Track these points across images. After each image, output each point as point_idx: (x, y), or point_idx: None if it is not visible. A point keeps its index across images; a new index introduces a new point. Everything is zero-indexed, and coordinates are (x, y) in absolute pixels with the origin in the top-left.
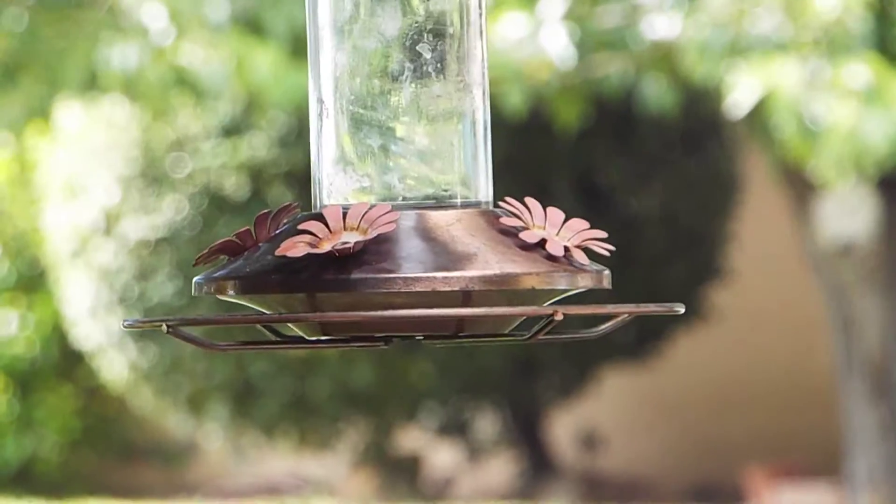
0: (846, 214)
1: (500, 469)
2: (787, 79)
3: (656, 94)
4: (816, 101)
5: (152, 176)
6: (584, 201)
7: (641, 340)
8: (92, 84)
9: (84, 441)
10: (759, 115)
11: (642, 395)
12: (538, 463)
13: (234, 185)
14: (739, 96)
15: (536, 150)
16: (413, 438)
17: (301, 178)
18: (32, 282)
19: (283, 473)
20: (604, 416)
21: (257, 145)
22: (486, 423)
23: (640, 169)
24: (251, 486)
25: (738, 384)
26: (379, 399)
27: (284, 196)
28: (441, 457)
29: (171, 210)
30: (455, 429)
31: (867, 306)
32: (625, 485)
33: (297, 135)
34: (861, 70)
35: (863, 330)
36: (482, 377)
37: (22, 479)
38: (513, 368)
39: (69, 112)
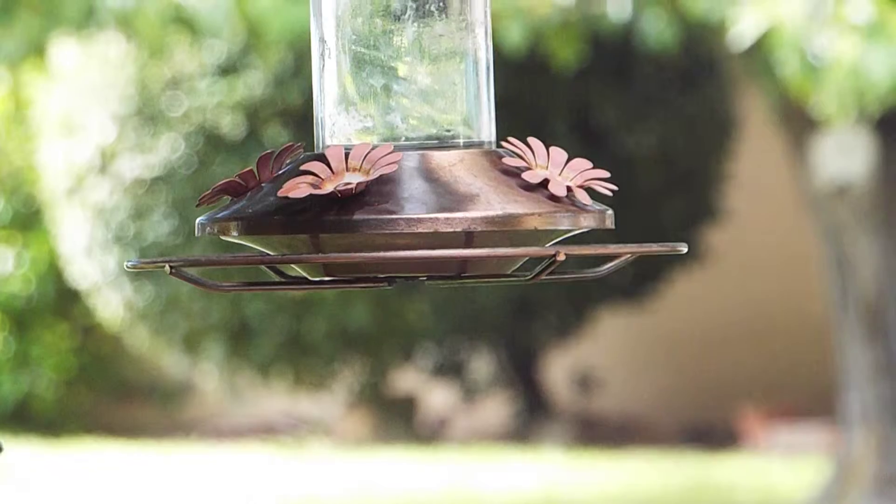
0: (842, 155)
1: (496, 410)
2: (790, 13)
3: (656, 30)
4: (819, 36)
5: (148, 114)
6: (581, 140)
7: (638, 281)
8: (89, 20)
9: (80, 379)
10: (759, 51)
11: (638, 336)
12: (534, 404)
13: (230, 124)
14: (742, 29)
15: (533, 90)
16: (408, 379)
17: (297, 117)
18: (28, 219)
19: (279, 413)
20: (599, 358)
21: (253, 84)
22: (482, 364)
23: (636, 108)
24: (246, 426)
25: (734, 325)
26: (375, 339)
27: (280, 135)
28: (436, 397)
29: (166, 149)
30: (451, 369)
31: (862, 247)
32: (620, 426)
33: (293, 73)
34: (863, 5)
35: (858, 270)
36: (478, 318)
37: (18, 416)
38: (509, 309)
39: (65, 50)
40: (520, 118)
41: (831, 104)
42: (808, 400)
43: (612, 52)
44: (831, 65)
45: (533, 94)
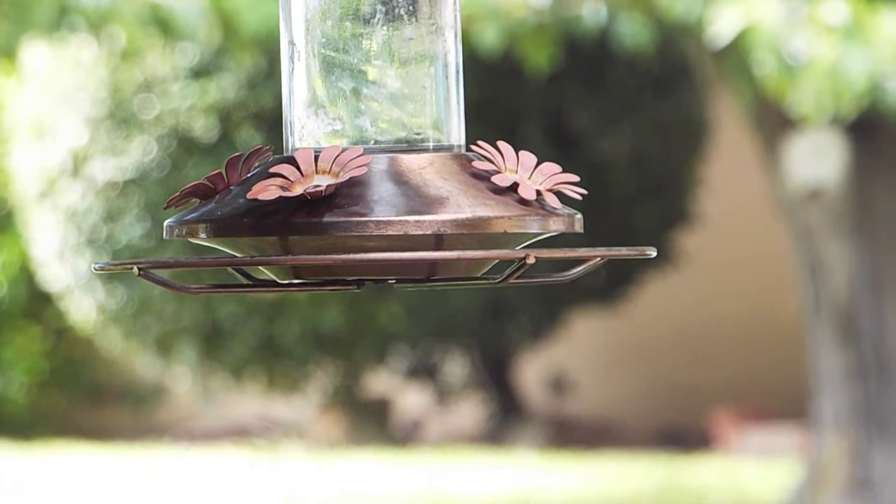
0: (815, 159)
1: (469, 412)
2: (767, 14)
3: (632, 32)
4: (795, 37)
5: (120, 117)
6: (554, 144)
7: (611, 284)
8: (61, 23)
9: (52, 382)
10: (734, 52)
11: (611, 338)
12: (507, 406)
13: (203, 127)
14: (720, 28)
15: (506, 93)
16: (382, 381)
17: (269, 120)
18: None
19: (252, 416)
20: (573, 360)
21: (226, 87)
22: (455, 367)
23: (610, 112)
24: (220, 429)
25: (707, 328)
26: (348, 342)
27: (253, 138)
28: (410, 400)
29: (139, 152)
30: (424, 372)
31: (835, 251)
32: (593, 428)
33: (267, 76)
34: (839, 7)
35: (830, 274)
36: (451, 320)
37: None
38: (482, 312)
39: (37, 53)
40: (493, 121)
41: (808, 104)
42: (780, 402)
43: (587, 55)
44: (808, 64)
45: (507, 96)
